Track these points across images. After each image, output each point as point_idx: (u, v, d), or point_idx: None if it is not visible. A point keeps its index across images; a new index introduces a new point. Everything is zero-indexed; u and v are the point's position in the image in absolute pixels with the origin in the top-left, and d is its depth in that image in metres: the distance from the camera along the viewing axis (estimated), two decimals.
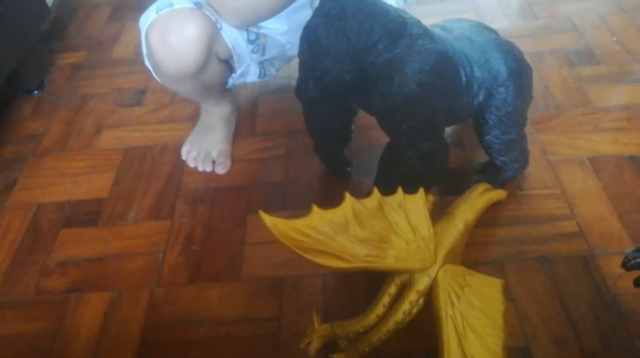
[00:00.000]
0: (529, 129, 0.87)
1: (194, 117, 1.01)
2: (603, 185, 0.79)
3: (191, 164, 0.92)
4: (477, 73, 0.70)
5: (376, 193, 0.62)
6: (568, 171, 0.82)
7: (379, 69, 0.64)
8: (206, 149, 0.92)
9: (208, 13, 0.73)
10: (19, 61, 1.08)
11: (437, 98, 0.66)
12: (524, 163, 0.79)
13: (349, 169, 0.86)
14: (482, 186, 0.72)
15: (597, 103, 0.93)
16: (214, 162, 0.91)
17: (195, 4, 0.72)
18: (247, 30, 0.81)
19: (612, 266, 0.68)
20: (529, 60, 0.76)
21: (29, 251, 0.82)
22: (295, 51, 0.71)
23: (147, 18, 0.73)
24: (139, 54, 1.23)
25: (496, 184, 0.76)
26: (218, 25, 0.75)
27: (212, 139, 0.93)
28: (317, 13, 0.63)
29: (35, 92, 1.15)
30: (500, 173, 0.77)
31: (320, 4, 0.63)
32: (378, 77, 0.64)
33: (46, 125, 1.06)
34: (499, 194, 0.74)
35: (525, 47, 1.05)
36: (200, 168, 0.91)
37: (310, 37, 0.64)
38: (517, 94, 0.72)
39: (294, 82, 0.67)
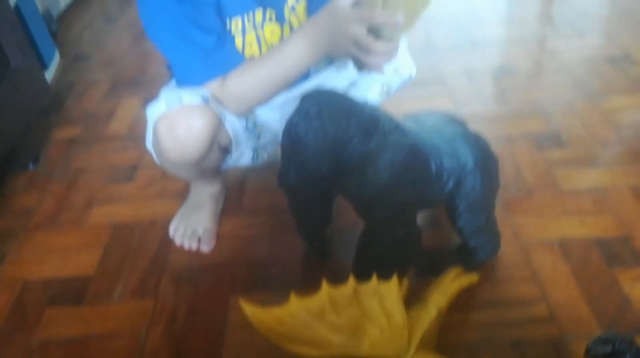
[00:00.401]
0: (501, 212, 0.91)
1: (183, 193, 1.04)
2: (571, 269, 0.82)
3: (178, 242, 0.95)
4: (446, 163, 0.75)
5: (351, 280, 0.64)
6: (538, 254, 0.85)
7: (354, 162, 0.69)
8: (193, 227, 0.95)
9: (213, 107, 0.79)
10: (17, 138, 1.12)
11: (409, 188, 0.71)
12: (496, 245, 0.83)
13: (330, 249, 0.89)
14: (454, 272, 0.75)
15: (565, 186, 0.98)
16: (199, 239, 0.94)
17: (203, 97, 0.77)
18: (246, 119, 0.87)
19: (582, 351, 0.70)
20: (501, 143, 0.81)
21: (13, 330, 0.82)
22: None
23: (157, 110, 0.78)
24: (133, 129, 1.29)
25: (470, 266, 0.79)
26: (222, 118, 0.80)
27: (200, 216, 0.97)
28: (297, 112, 0.69)
29: (30, 166, 1.19)
30: (473, 255, 0.81)
31: (300, 103, 0.69)
32: (354, 170, 0.69)
33: (39, 199, 1.09)
34: (471, 279, 0.76)
35: (498, 131, 1.12)
36: (186, 246, 0.94)
37: (292, 134, 0.69)
38: (484, 182, 0.77)
39: (280, 160, 0.71)
